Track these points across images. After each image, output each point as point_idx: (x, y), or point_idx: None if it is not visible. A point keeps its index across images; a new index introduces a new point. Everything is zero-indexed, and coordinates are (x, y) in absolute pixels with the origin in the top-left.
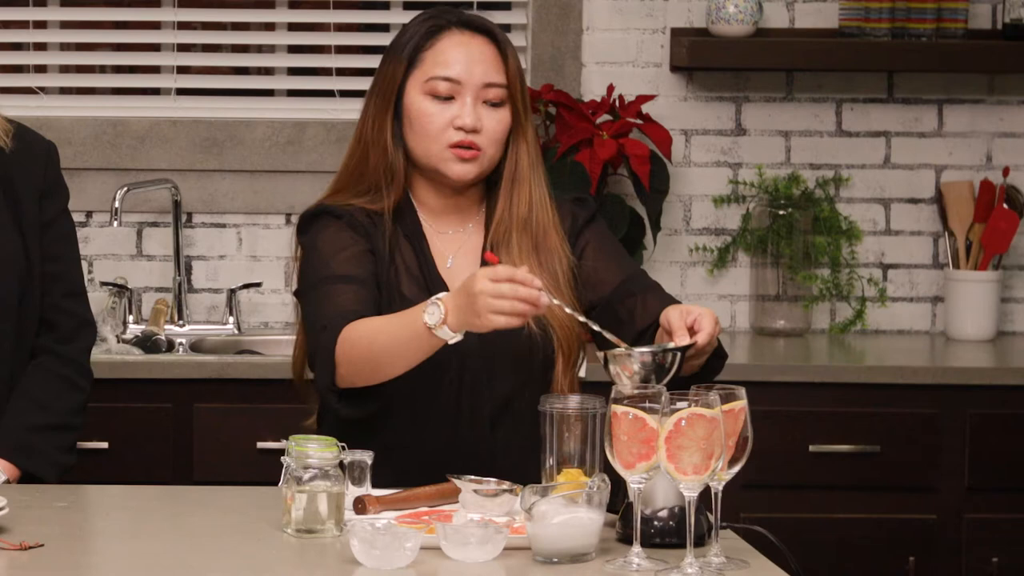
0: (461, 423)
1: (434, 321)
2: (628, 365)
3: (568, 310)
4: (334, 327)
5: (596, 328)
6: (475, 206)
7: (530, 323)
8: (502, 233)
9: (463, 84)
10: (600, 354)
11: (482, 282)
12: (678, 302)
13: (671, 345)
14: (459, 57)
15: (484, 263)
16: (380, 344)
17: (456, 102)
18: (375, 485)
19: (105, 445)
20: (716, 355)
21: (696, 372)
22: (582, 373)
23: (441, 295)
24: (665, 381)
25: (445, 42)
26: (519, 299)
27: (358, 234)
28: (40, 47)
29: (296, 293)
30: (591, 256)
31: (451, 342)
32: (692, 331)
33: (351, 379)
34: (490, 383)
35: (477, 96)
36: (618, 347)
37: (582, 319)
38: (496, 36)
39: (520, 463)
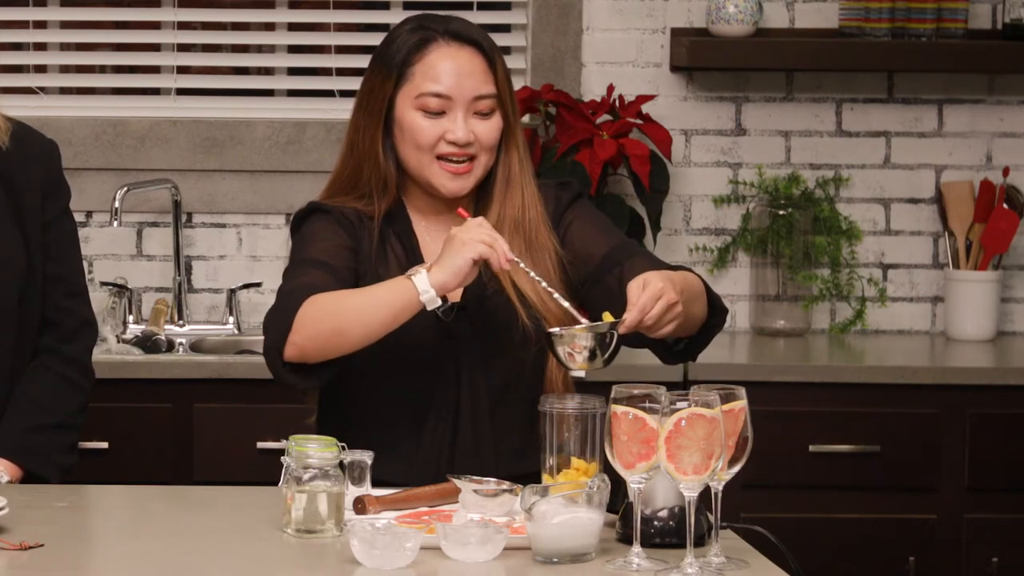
0: (460, 415)
1: (416, 272)
2: (576, 342)
3: (532, 274)
4: (299, 294)
5: (564, 304)
6: (467, 206)
7: (522, 316)
8: None
9: (453, 99)
10: (546, 334)
11: (457, 229)
12: (669, 267)
13: (601, 323)
14: (448, 71)
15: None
16: (348, 304)
17: (447, 116)
18: (382, 482)
19: (105, 445)
20: (714, 311)
21: (695, 334)
22: (582, 373)
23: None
24: (609, 355)
25: (434, 56)
26: (491, 235)
27: (343, 229)
28: (40, 47)
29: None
30: (577, 232)
31: (425, 300)
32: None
33: (303, 346)
34: (485, 373)
35: (468, 109)
36: (555, 328)
37: (544, 285)
38: (483, 46)
39: (522, 456)
